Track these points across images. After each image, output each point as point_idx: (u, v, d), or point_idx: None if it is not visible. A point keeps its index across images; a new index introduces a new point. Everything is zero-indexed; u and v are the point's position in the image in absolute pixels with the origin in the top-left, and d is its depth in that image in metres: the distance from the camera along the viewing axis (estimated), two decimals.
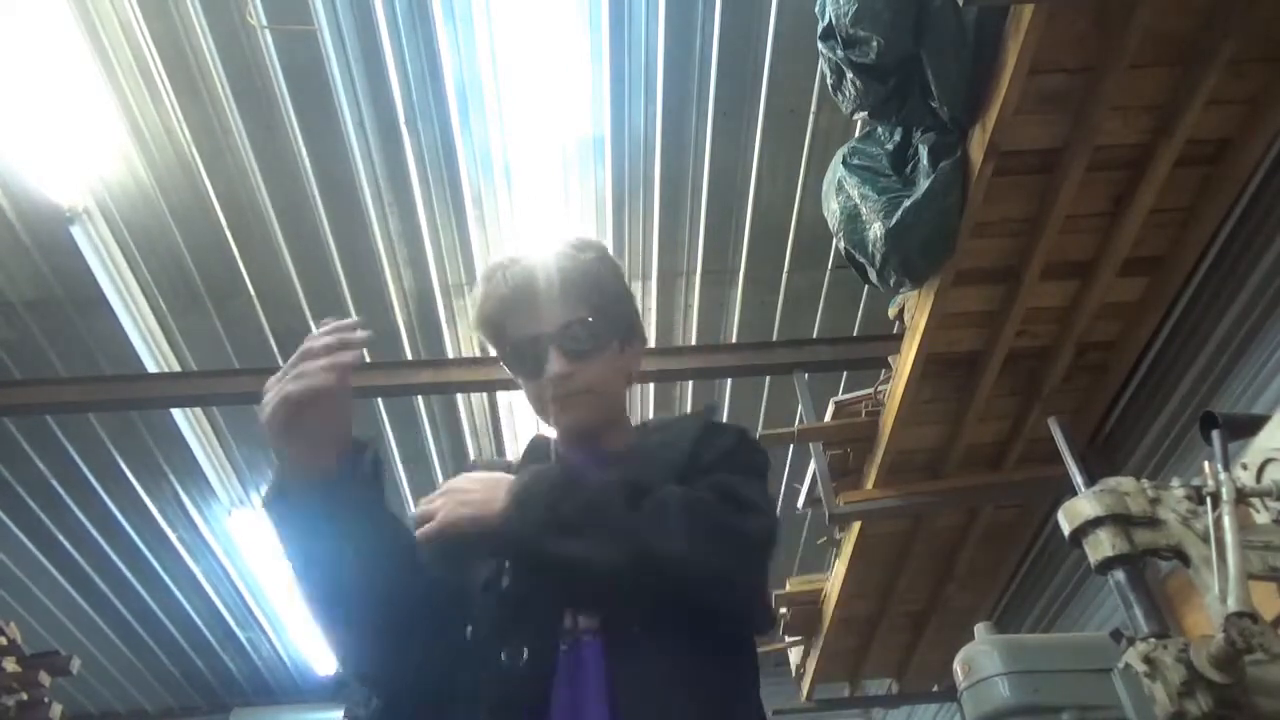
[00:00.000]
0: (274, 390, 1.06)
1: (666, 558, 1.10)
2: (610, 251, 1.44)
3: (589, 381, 1.33)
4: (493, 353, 1.47)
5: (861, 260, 3.25)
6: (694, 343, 4.99)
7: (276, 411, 1.05)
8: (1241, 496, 1.44)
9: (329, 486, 1.08)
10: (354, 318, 1.12)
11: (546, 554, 1.11)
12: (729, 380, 5.10)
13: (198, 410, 5.19)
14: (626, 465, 1.30)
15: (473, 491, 1.17)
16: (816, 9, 2.89)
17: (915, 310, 3.47)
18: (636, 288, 4.79)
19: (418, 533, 1.15)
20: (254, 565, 6.40)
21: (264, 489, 1.13)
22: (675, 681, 1.11)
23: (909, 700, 5.85)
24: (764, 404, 5.30)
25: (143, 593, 6.43)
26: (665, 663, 1.12)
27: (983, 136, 2.80)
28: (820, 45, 2.92)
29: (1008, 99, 2.66)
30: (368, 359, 4.87)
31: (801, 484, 4.29)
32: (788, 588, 4.96)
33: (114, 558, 6.07)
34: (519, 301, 1.34)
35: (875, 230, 3.08)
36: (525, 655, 1.12)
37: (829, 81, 3.04)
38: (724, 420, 1.45)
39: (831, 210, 3.30)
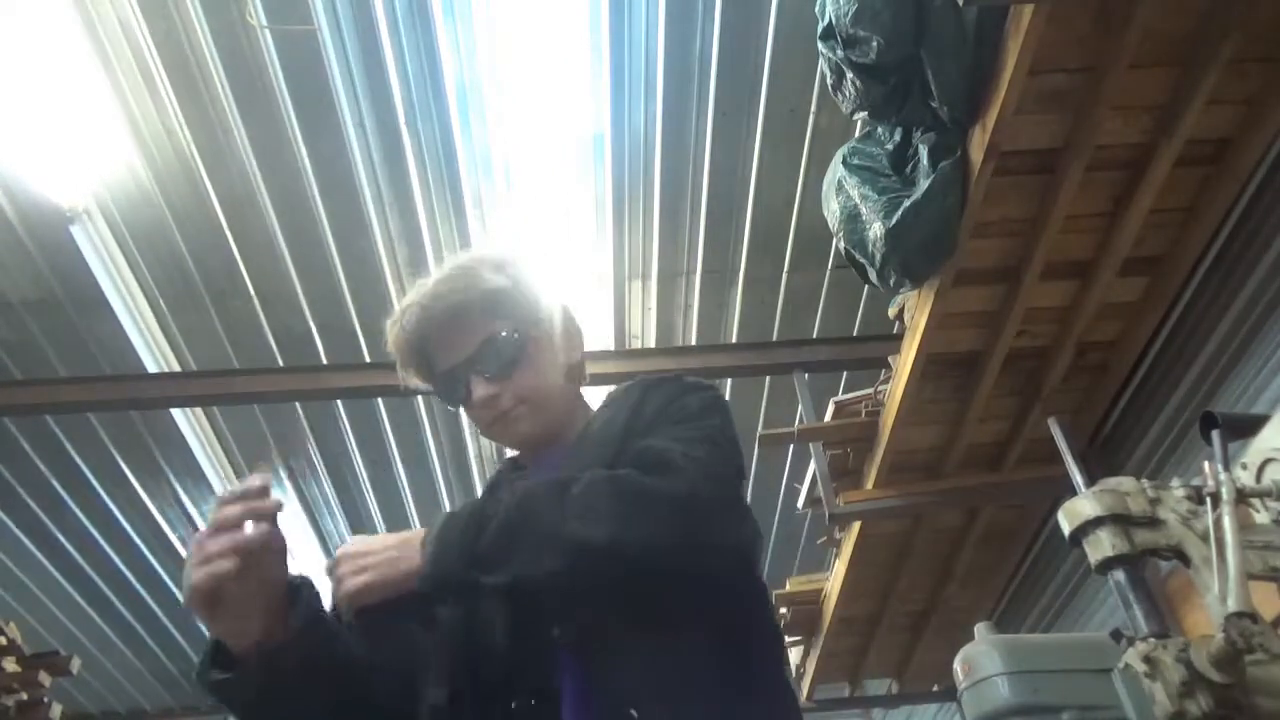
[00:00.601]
0: (186, 570, 1.02)
1: (600, 547, 1.05)
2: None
3: (517, 395, 1.30)
4: None
5: (861, 260, 3.25)
6: (694, 343, 4.98)
7: (190, 602, 1.02)
8: (1241, 496, 1.44)
9: (265, 666, 1.06)
10: (262, 477, 1.07)
11: (482, 586, 1.07)
12: (729, 380, 5.10)
13: (198, 410, 5.19)
14: (572, 456, 1.27)
15: (370, 554, 1.10)
16: (816, 9, 2.89)
17: (915, 310, 3.47)
18: (636, 287, 4.79)
19: (342, 614, 1.11)
20: None
21: (199, 662, 1.10)
22: (653, 685, 1.08)
23: (909, 700, 5.86)
24: (764, 404, 5.30)
25: (143, 593, 6.42)
26: (643, 666, 1.09)
27: (983, 136, 2.80)
28: (820, 45, 2.92)
29: (1008, 99, 2.66)
30: (367, 359, 4.88)
31: (801, 484, 4.29)
32: (788, 588, 4.96)
33: (114, 558, 6.07)
34: (425, 341, 1.31)
35: (875, 230, 3.08)
36: (533, 701, 1.11)
37: (829, 81, 3.04)
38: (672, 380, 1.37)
39: (831, 210, 3.30)
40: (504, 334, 1.30)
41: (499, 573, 1.06)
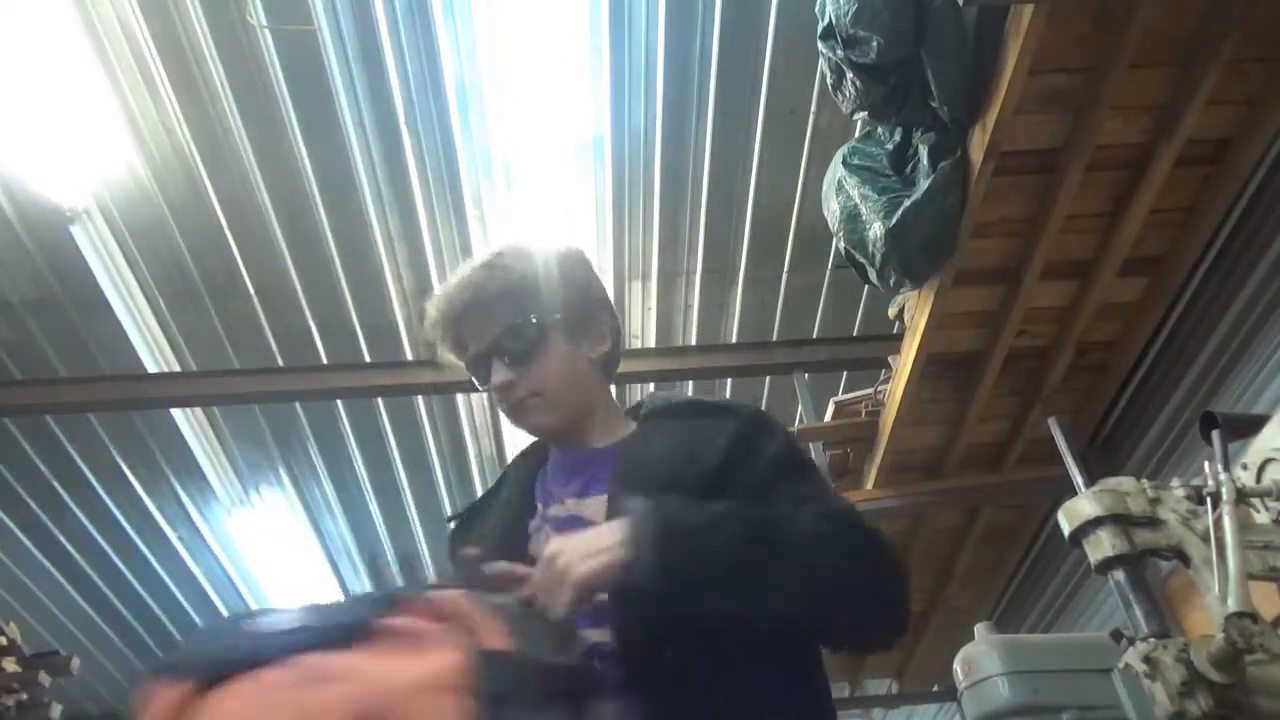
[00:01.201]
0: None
1: (840, 615, 1.13)
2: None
3: (533, 385, 1.33)
4: None
5: (861, 260, 3.25)
6: (694, 343, 4.98)
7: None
8: (1241, 496, 1.44)
9: None
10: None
11: (707, 613, 1.06)
12: (729, 380, 5.10)
13: (198, 410, 5.18)
14: (639, 471, 1.24)
15: (587, 541, 1.07)
16: (816, 9, 2.89)
17: (915, 310, 3.47)
18: (636, 287, 4.79)
19: (552, 611, 1.04)
20: (254, 565, 6.40)
21: None
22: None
23: (909, 700, 5.85)
24: (764, 404, 5.29)
25: (143, 593, 6.42)
26: (690, 699, 1.08)
27: (983, 136, 2.80)
28: (820, 45, 2.91)
29: (1008, 99, 2.66)
30: (367, 359, 4.88)
31: None
32: None
33: (114, 558, 6.07)
34: (456, 324, 1.36)
35: (875, 230, 3.08)
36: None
37: (829, 81, 3.04)
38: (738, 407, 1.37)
39: (831, 210, 3.30)
40: (524, 323, 1.33)
41: (726, 604, 1.06)
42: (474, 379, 1.39)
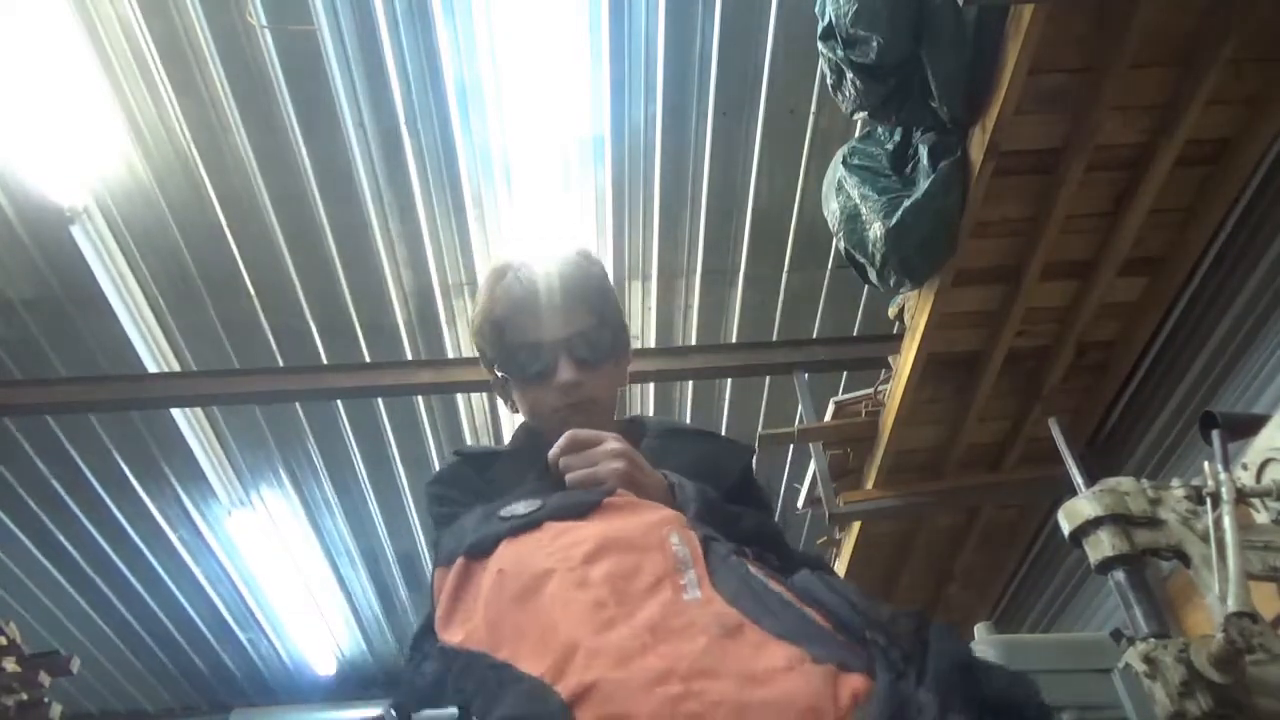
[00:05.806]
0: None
1: None
2: (608, 257, 1.47)
3: (593, 392, 1.31)
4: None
5: (861, 260, 3.25)
6: (694, 343, 4.98)
7: None
8: (1241, 496, 1.44)
9: None
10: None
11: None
12: (729, 380, 5.10)
13: (198, 410, 5.19)
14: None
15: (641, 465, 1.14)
16: (816, 9, 2.89)
17: (915, 310, 3.47)
18: (636, 288, 4.79)
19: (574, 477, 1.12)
20: (254, 565, 6.40)
21: None
22: None
23: None
24: (764, 404, 5.30)
25: (143, 593, 6.43)
26: None
27: (983, 136, 2.80)
28: (820, 45, 2.92)
29: (1008, 99, 2.66)
30: (367, 359, 4.88)
31: (801, 484, 4.29)
32: None
33: (114, 558, 6.07)
34: (530, 305, 1.30)
35: (875, 230, 3.08)
36: None
37: (829, 81, 3.04)
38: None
39: (831, 210, 3.30)
40: (601, 328, 1.33)
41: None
42: (518, 364, 1.32)
